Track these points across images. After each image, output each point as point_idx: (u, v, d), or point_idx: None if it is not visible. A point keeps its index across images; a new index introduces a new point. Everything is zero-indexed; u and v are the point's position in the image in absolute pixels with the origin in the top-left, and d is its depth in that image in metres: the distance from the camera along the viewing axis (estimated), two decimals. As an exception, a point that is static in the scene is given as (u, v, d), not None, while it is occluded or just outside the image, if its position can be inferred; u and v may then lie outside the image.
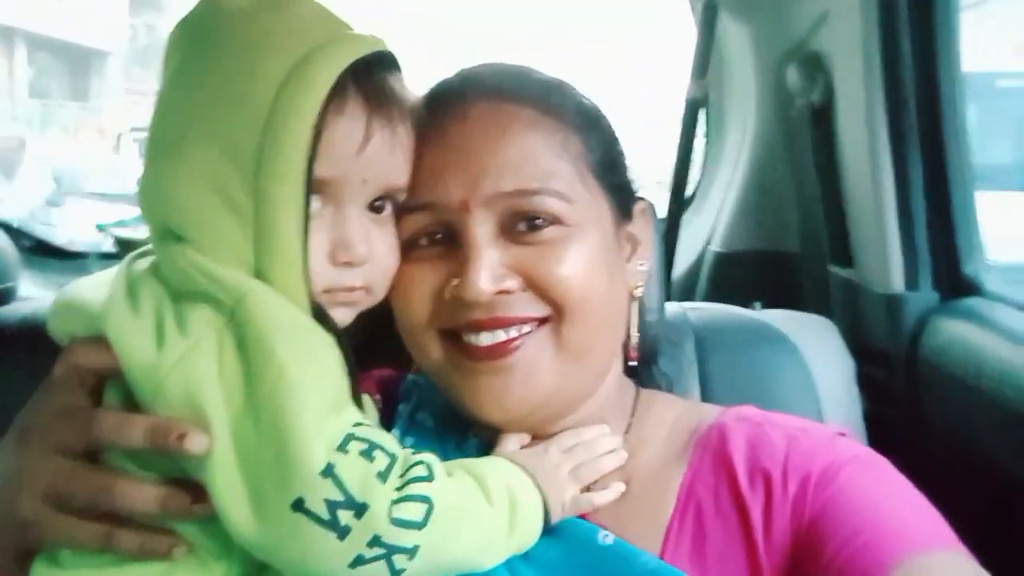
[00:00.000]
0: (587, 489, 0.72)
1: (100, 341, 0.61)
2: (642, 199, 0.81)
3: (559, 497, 0.70)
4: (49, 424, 0.63)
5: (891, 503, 0.67)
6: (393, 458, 0.60)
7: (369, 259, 0.67)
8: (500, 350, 0.70)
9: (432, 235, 0.72)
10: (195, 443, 0.57)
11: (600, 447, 0.74)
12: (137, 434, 0.59)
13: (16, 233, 1.80)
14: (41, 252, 1.83)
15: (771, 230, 1.53)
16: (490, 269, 0.69)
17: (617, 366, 0.80)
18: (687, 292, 1.67)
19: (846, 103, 1.19)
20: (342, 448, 0.57)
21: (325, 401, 0.59)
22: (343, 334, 0.65)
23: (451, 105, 0.73)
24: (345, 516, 0.56)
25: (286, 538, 0.57)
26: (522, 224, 0.70)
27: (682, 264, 1.68)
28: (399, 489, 0.59)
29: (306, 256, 0.62)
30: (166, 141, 0.65)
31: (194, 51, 0.65)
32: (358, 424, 0.60)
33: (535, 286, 0.70)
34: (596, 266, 0.72)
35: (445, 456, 0.72)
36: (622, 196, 0.77)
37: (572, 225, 0.71)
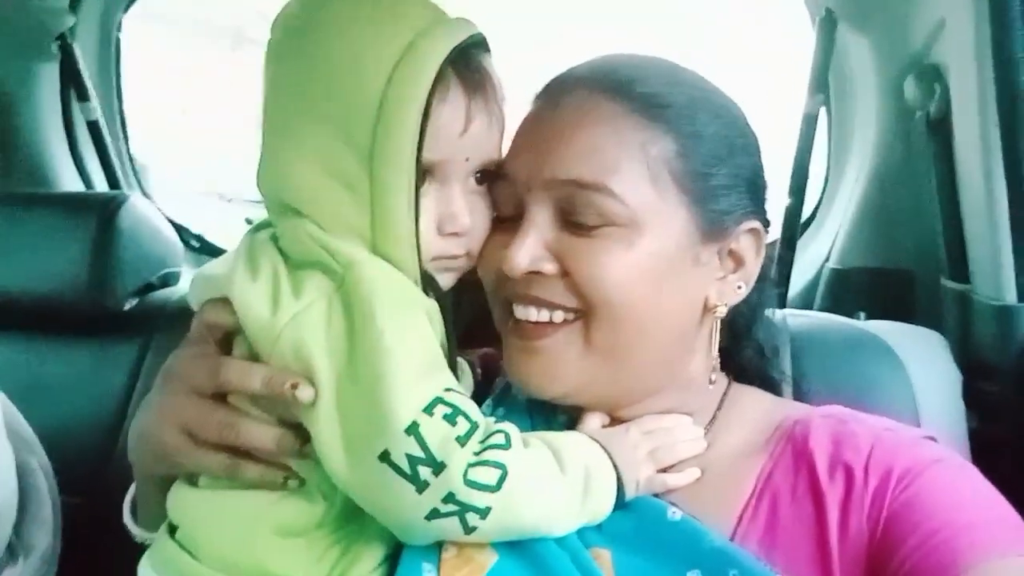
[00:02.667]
0: (663, 472, 0.74)
1: (226, 302, 0.69)
2: (758, 220, 0.77)
3: (634, 475, 0.72)
4: (185, 368, 0.72)
5: (973, 505, 0.66)
6: (474, 425, 0.64)
7: (470, 229, 0.73)
8: (532, 331, 0.73)
9: (510, 207, 0.76)
10: (304, 393, 0.63)
11: (680, 434, 0.76)
12: (256, 381, 0.66)
13: (179, 230, 2.02)
14: (201, 250, 2.02)
15: (888, 246, 1.48)
16: (530, 248, 0.71)
17: (693, 369, 0.79)
18: (803, 309, 1.64)
19: (962, 114, 1.16)
20: (428, 410, 0.62)
21: (418, 365, 0.64)
22: (447, 299, 0.72)
23: (555, 92, 0.77)
24: (424, 472, 0.61)
25: (373, 485, 0.64)
26: (579, 216, 0.71)
27: (799, 282, 1.65)
28: (477, 454, 0.63)
29: (417, 231, 0.67)
30: (282, 123, 0.70)
31: (301, 37, 0.69)
32: (448, 390, 0.65)
33: (569, 277, 0.71)
34: (641, 273, 0.71)
35: (532, 428, 0.77)
36: (715, 209, 0.73)
37: (627, 226, 0.70)
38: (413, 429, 0.61)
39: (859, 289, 1.50)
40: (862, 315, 1.20)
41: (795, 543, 0.68)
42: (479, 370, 0.85)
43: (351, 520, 0.70)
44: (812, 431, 0.73)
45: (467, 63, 0.70)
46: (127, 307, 1.48)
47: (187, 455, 0.70)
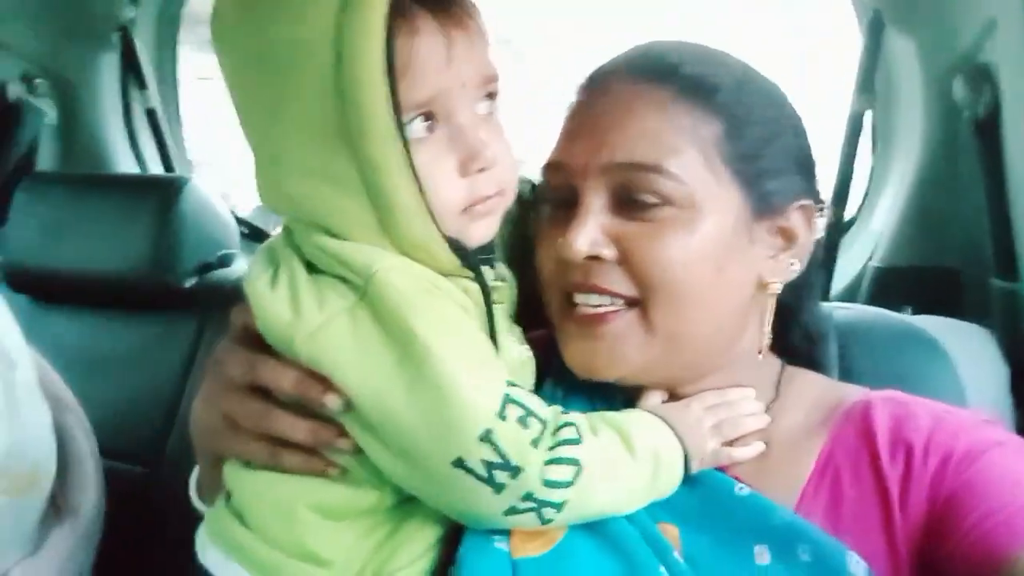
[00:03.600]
0: (728, 445, 0.74)
1: None
2: (809, 197, 0.78)
3: (700, 449, 0.72)
4: (224, 359, 0.71)
5: None
6: (545, 424, 0.63)
7: (497, 161, 0.67)
8: (593, 319, 0.73)
9: (562, 196, 0.76)
10: (332, 401, 0.62)
11: (743, 408, 0.76)
12: (287, 383, 0.65)
13: (235, 219, 2.07)
14: (250, 236, 2.07)
15: (933, 245, 1.48)
16: (590, 233, 0.71)
17: (748, 347, 0.80)
18: (846, 308, 1.65)
19: (1012, 114, 1.17)
20: (500, 414, 0.61)
21: (475, 366, 0.62)
22: (483, 276, 0.68)
23: (605, 77, 0.77)
24: (501, 476, 0.60)
25: (444, 488, 0.62)
26: (636, 199, 0.71)
27: (842, 280, 1.66)
28: (551, 449, 0.63)
29: (426, 201, 0.62)
30: (252, 134, 0.67)
31: (233, 37, 0.64)
32: (512, 384, 0.63)
33: (629, 262, 0.71)
34: (702, 254, 0.71)
35: (592, 407, 0.77)
36: (765, 189, 0.74)
37: (685, 208, 0.71)
38: (487, 436, 0.60)
39: (904, 287, 1.50)
40: (909, 309, 1.21)
41: (859, 517, 0.68)
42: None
43: (400, 506, 0.69)
44: (873, 412, 0.73)
45: None
46: (187, 285, 1.52)
47: (230, 442, 0.70)
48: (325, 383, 0.62)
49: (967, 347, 1.10)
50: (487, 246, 0.72)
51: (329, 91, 0.59)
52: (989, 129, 1.25)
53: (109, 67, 1.93)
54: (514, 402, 0.62)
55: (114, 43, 1.89)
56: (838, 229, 1.57)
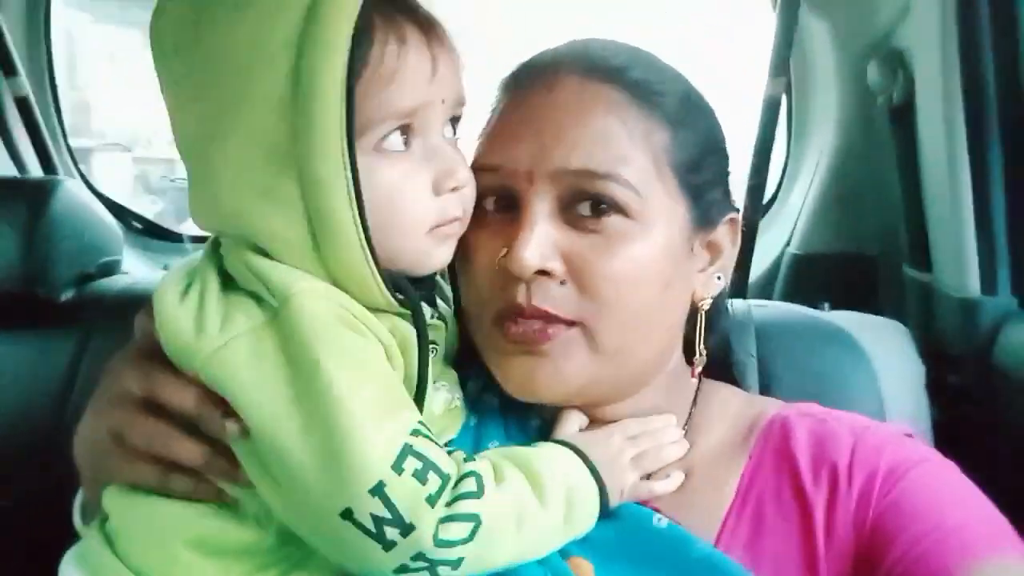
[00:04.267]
0: (647, 477, 0.72)
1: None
2: (735, 211, 0.77)
3: (619, 484, 0.69)
4: (120, 371, 0.66)
5: (960, 505, 0.65)
6: (446, 479, 0.59)
7: (467, 181, 0.67)
8: (533, 338, 0.68)
9: (498, 200, 0.71)
10: (232, 427, 0.58)
11: (665, 437, 0.73)
12: (188, 402, 0.61)
13: (123, 212, 1.93)
14: (145, 232, 1.94)
15: (850, 232, 1.49)
16: (539, 245, 0.67)
17: (675, 362, 0.78)
18: (763, 295, 1.64)
19: (926, 101, 1.15)
20: (396, 467, 0.57)
21: (377, 410, 0.58)
22: (421, 313, 0.64)
23: (542, 74, 0.72)
24: (392, 532, 0.56)
25: (331, 539, 0.59)
26: (585, 207, 0.68)
27: (759, 267, 1.65)
28: (448, 505, 0.59)
29: (366, 228, 0.59)
30: (191, 144, 0.63)
31: (185, 41, 0.61)
32: (416, 433, 0.59)
33: (579, 279, 0.68)
34: (651, 269, 0.69)
35: (507, 436, 0.74)
36: (705, 201, 0.73)
37: (636, 219, 0.68)
38: (379, 489, 0.56)
39: (821, 275, 1.51)
40: (826, 305, 1.19)
41: (782, 548, 0.67)
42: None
43: (292, 551, 0.64)
44: (791, 431, 0.72)
45: (399, 3, 0.63)
46: (64, 298, 1.40)
47: (116, 461, 0.65)
48: (225, 407, 0.59)
49: (883, 343, 1.09)
50: (429, 280, 0.70)
51: (283, 101, 0.57)
52: (903, 115, 1.24)
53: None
54: (414, 454, 0.58)
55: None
56: (755, 217, 1.55)
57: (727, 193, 0.77)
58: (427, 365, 0.65)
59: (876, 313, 1.17)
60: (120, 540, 0.64)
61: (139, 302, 1.30)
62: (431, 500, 0.58)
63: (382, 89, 0.60)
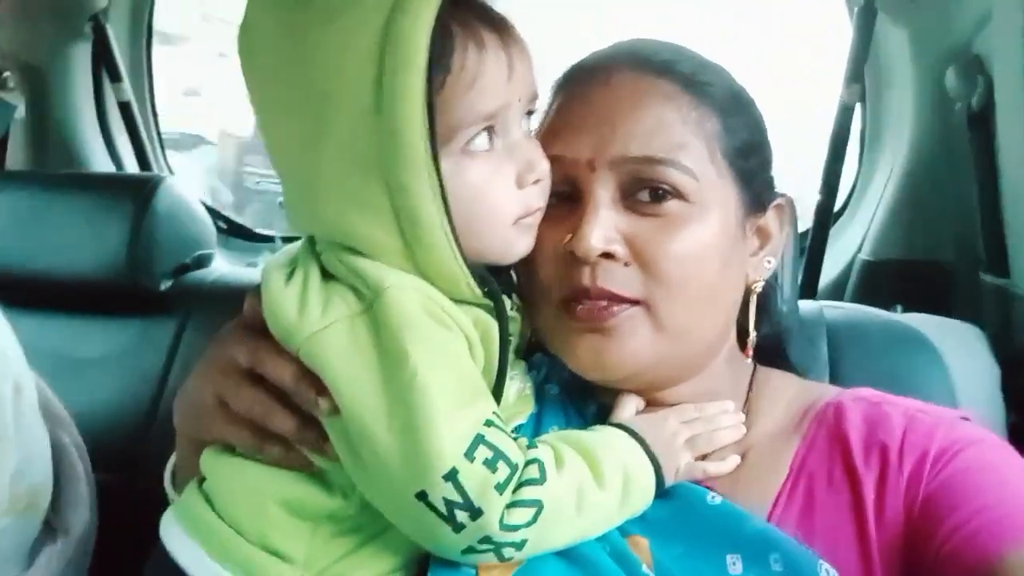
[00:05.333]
0: (702, 459, 0.74)
1: None
2: (781, 195, 0.80)
3: (673, 464, 0.71)
4: (228, 342, 0.70)
5: (1012, 487, 0.65)
6: (514, 469, 0.62)
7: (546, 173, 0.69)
8: (598, 315, 0.71)
9: (559, 191, 0.73)
10: (323, 404, 0.62)
11: (720, 421, 0.75)
12: (286, 377, 0.65)
13: (213, 214, 2.03)
14: (229, 232, 2.03)
15: (924, 238, 1.47)
16: (603, 228, 0.69)
17: (730, 346, 0.80)
18: (835, 301, 1.64)
19: (1005, 106, 1.15)
20: (468, 455, 0.60)
21: (456, 400, 0.61)
22: (503, 305, 0.67)
23: (597, 70, 0.76)
24: (462, 515, 0.60)
25: (406, 516, 0.63)
26: (644, 193, 0.71)
27: (830, 273, 1.65)
28: (514, 492, 0.62)
29: (452, 226, 0.62)
30: (285, 159, 0.66)
31: (271, 54, 0.63)
32: (489, 424, 0.62)
33: (642, 259, 0.70)
34: (709, 250, 0.72)
35: (567, 422, 0.77)
36: (755, 187, 0.76)
37: (695, 203, 0.71)
38: (452, 476, 0.59)
39: (892, 281, 1.49)
40: (899, 308, 1.19)
41: (832, 527, 0.68)
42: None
43: (374, 521, 0.67)
44: (845, 413, 0.73)
45: (474, 5, 0.65)
46: (163, 287, 1.49)
47: (217, 423, 0.69)
48: (319, 385, 0.62)
49: (958, 345, 1.09)
50: (506, 273, 0.73)
51: (368, 111, 0.59)
52: (982, 121, 1.23)
53: (81, 58, 1.87)
54: (486, 443, 0.61)
55: (86, 33, 1.84)
56: (826, 222, 1.55)
57: (772, 179, 0.80)
58: (507, 355, 0.68)
59: (948, 318, 1.17)
60: (217, 497, 0.68)
61: (230, 291, 1.41)
62: (499, 488, 0.61)
63: (465, 94, 0.62)
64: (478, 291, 0.65)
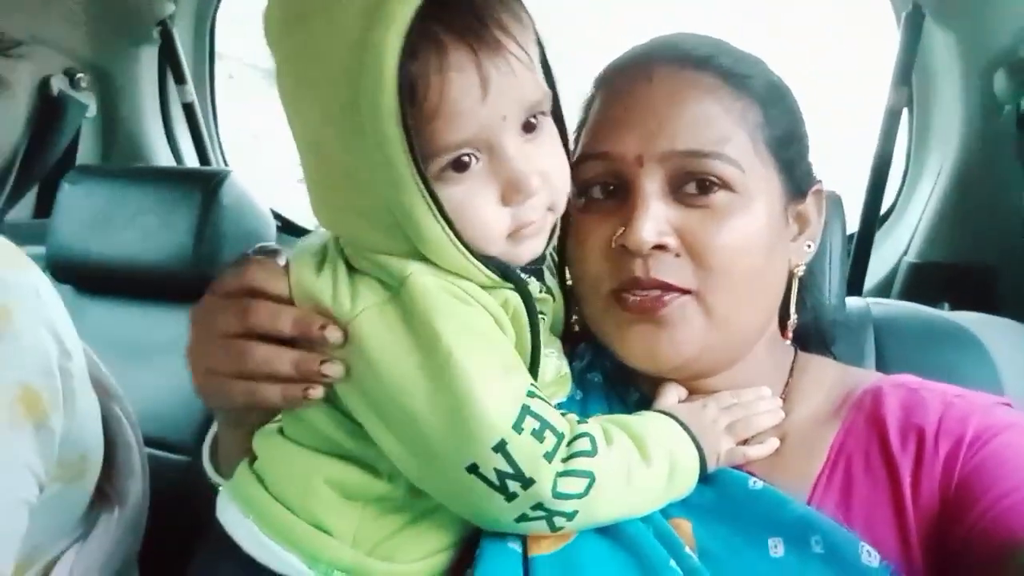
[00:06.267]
0: (743, 444, 0.75)
1: (283, 274, 0.67)
2: (819, 181, 0.82)
3: (715, 449, 0.72)
4: (213, 313, 0.69)
5: None
6: (560, 437, 0.64)
7: (542, 186, 0.65)
8: (651, 306, 0.72)
9: (606, 186, 0.75)
10: (332, 334, 0.62)
11: (758, 407, 0.77)
12: (286, 323, 0.65)
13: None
14: (283, 230, 2.10)
15: (970, 242, 1.47)
16: (655, 221, 0.71)
17: (772, 332, 0.81)
18: (880, 303, 1.64)
19: (1055, 108, 1.16)
20: (517, 427, 0.61)
21: (496, 374, 0.62)
22: (527, 289, 0.68)
23: (640, 66, 0.77)
24: (514, 485, 0.61)
25: (457, 491, 0.64)
26: (692, 186, 0.72)
27: (877, 274, 1.66)
28: (565, 461, 0.63)
29: (454, 231, 0.62)
30: (303, 161, 0.67)
31: (280, 71, 0.65)
32: (531, 395, 0.64)
33: (692, 250, 0.72)
34: (757, 238, 0.73)
35: (609, 408, 0.79)
36: (796, 174, 0.78)
37: (741, 193, 0.72)
38: (501, 447, 0.60)
39: (939, 283, 1.49)
40: (946, 305, 1.20)
41: (870, 509, 0.68)
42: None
43: (421, 501, 0.69)
44: (883, 399, 0.74)
45: (457, 12, 0.60)
46: (227, 279, 1.54)
47: (214, 392, 0.70)
48: (324, 319, 0.63)
49: (1005, 342, 1.09)
50: (536, 259, 0.71)
51: (353, 135, 0.59)
52: (1030, 124, 1.24)
53: (148, 61, 1.96)
54: (532, 414, 0.62)
55: (154, 37, 1.92)
56: (873, 222, 1.56)
57: (811, 166, 0.81)
58: (539, 333, 0.68)
59: (993, 318, 1.17)
60: (268, 477, 0.70)
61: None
62: (548, 456, 0.62)
63: (428, 125, 0.59)
64: (496, 278, 0.66)
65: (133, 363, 1.40)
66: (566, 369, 0.79)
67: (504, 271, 0.66)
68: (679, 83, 0.74)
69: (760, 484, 0.70)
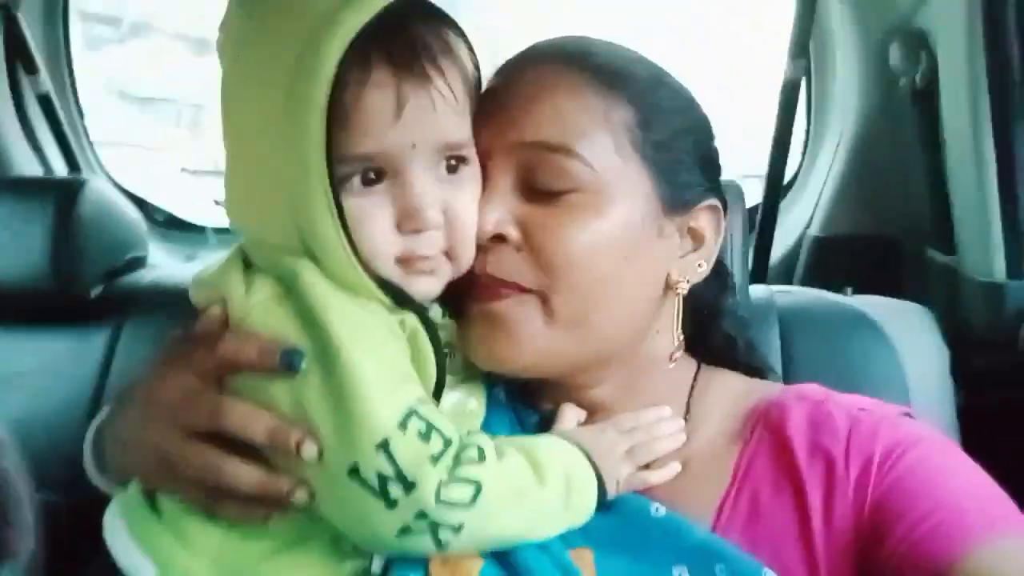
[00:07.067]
0: (644, 468, 0.73)
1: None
2: (717, 198, 0.77)
3: (614, 474, 0.70)
4: (175, 401, 0.66)
5: (960, 485, 0.65)
6: (448, 443, 0.62)
7: (440, 224, 0.66)
8: (488, 294, 0.70)
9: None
10: (308, 450, 0.60)
11: (659, 430, 0.75)
12: (260, 431, 0.62)
13: (147, 207, 1.96)
14: (167, 225, 1.97)
15: (872, 215, 1.48)
16: (495, 212, 0.69)
17: (662, 345, 0.78)
18: (785, 278, 1.64)
19: (949, 83, 1.14)
20: (401, 425, 0.60)
21: (386, 377, 0.62)
22: (426, 313, 0.67)
23: (513, 68, 0.75)
24: (395, 490, 0.59)
25: (340, 499, 0.62)
26: (542, 182, 0.70)
27: (779, 249, 1.65)
28: (451, 470, 0.61)
29: (350, 241, 0.62)
30: (226, 141, 0.68)
31: (225, 51, 0.68)
32: (422, 400, 0.63)
33: (533, 246, 0.70)
34: (607, 243, 0.70)
35: (511, 431, 0.76)
36: (676, 181, 0.74)
37: (592, 192, 0.70)
38: (384, 446, 0.59)
39: (842, 257, 1.50)
40: (849, 290, 1.19)
41: (777, 534, 0.67)
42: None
43: (287, 527, 0.67)
44: (788, 415, 0.72)
45: (397, 37, 0.63)
46: (94, 294, 1.42)
47: (164, 481, 0.67)
48: (302, 432, 0.61)
49: (907, 327, 1.10)
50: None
51: (275, 130, 0.61)
52: (926, 97, 1.23)
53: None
54: (419, 416, 0.61)
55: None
56: (775, 197, 1.54)
57: (709, 179, 0.77)
58: (443, 363, 0.67)
59: (899, 296, 1.17)
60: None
61: (167, 295, 1.32)
62: (433, 459, 0.60)
63: (340, 131, 0.61)
64: (388, 300, 0.65)
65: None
66: (474, 406, 0.75)
67: (398, 296, 0.65)
68: (540, 79, 0.73)
69: (663, 511, 0.69)
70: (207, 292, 0.68)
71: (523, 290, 0.70)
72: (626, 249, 0.71)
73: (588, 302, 0.71)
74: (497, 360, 0.72)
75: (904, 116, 1.32)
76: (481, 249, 0.70)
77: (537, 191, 0.71)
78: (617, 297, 0.72)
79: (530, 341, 0.71)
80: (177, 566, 0.64)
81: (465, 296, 0.72)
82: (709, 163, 0.78)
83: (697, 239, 0.77)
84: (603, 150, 0.70)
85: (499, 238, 0.70)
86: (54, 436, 1.33)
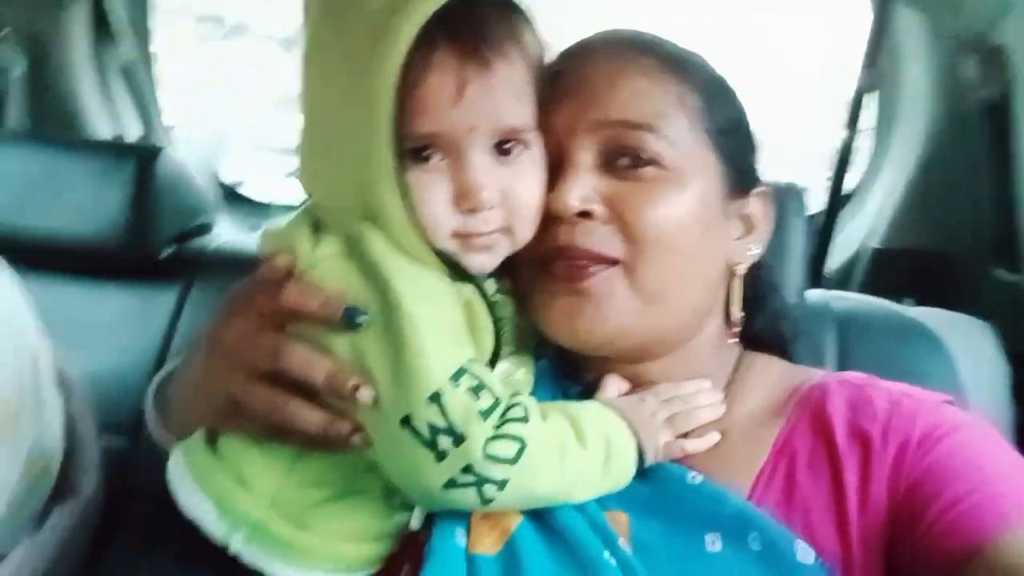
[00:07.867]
0: (683, 437, 0.74)
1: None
2: (765, 184, 0.80)
3: (653, 442, 0.72)
4: (240, 344, 0.69)
5: (997, 470, 0.66)
6: (497, 401, 0.64)
7: (495, 203, 0.68)
8: (576, 274, 0.72)
9: (549, 160, 0.74)
10: (364, 395, 0.63)
11: (698, 400, 0.76)
12: (319, 375, 0.65)
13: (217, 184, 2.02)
14: (236, 200, 2.02)
15: (934, 229, 1.46)
16: (581, 188, 0.71)
17: (715, 329, 0.80)
18: (841, 288, 1.63)
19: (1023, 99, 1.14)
20: (454, 380, 0.62)
21: (442, 334, 0.64)
22: (482, 285, 0.69)
23: (584, 51, 0.78)
24: (444, 441, 0.61)
25: (391, 448, 0.64)
26: (624, 159, 0.72)
27: (838, 259, 1.64)
28: (497, 427, 0.63)
29: (412, 216, 0.65)
30: (302, 132, 0.70)
31: (308, 29, 0.69)
32: (473, 361, 0.65)
33: (620, 220, 0.71)
34: (688, 216, 0.72)
35: (552, 397, 0.76)
36: (739, 166, 0.77)
37: (673, 170, 0.72)
38: (436, 398, 0.62)
39: (900, 270, 1.49)
40: (909, 301, 1.19)
41: (812, 509, 0.68)
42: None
43: (342, 476, 0.70)
44: (829, 396, 0.73)
45: (466, 22, 0.65)
46: (164, 254, 1.48)
47: (233, 422, 0.70)
48: (359, 378, 0.63)
49: (967, 342, 1.08)
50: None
51: (347, 105, 0.64)
52: (998, 112, 1.22)
53: (78, 20, 1.83)
54: (471, 374, 0.63)
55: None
56: (836, 205, 1.54)
57: (756, 167, 0.80)
58: (500, 333, 0.69)
59: (956, 311, 1.16)
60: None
61: (230, 258, 1.37)
62: (483, 414, 0.62)
63: (405, 109, 0.63)
64: (445, 269, 0.67)
65: (67, 343, 1.32)
66: (521, 376, 0.76)
67: (455, 268, 0.67)
68: (618, 62, 0.75)
69: (699, 479, 0.70)
70: (276, 242, 0.70)
71: (611, 262, 0.72)
72: (703, 224, 0.74)
73: (670, 274, 0.73)
74: (579, 333, 0.73)
75: (973, 130, 1.31)
76: (567, 223, 0.71)
77: (618, 168, 0.73)
78: (695, 272, 0.75)
79: (616, 316, 0.72)
80: (236, 506, 0.67)
81: (542, 275, 0.74)
82: (755, 151, 0.81)
83: (749, 225, 0.80)
84: (681, 130, 0.73)
85: (585, 214, 0.71)
86: (121, 385, 1.39)
